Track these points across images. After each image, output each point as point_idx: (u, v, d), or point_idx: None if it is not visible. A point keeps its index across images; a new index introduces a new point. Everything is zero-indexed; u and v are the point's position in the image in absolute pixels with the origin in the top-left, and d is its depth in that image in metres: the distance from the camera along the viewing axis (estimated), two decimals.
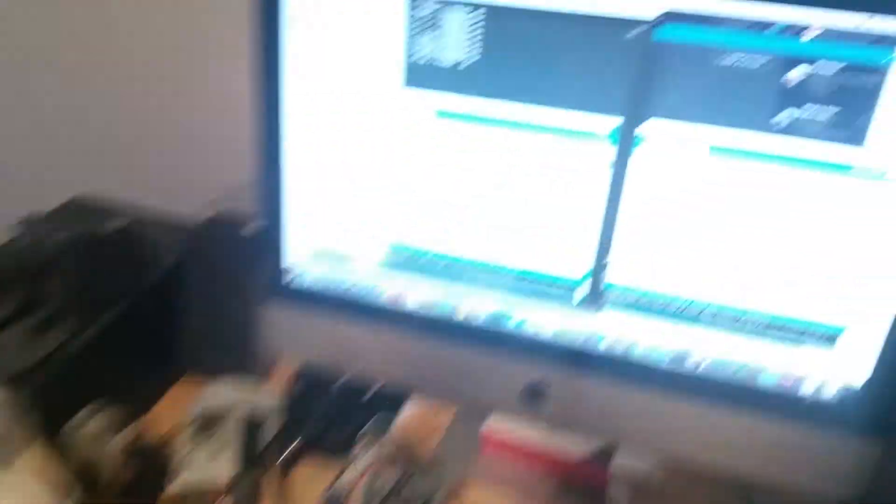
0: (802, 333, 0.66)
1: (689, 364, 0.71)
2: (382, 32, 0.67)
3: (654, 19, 0.60)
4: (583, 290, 0.71)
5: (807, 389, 0.69)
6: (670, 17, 0.59)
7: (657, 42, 0.60)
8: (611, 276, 0.70)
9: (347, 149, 0.73)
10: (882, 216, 0.60)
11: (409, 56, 0.67)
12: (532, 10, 0.62)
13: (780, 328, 0.67)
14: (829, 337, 0.66)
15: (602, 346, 0.73)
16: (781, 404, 0.70)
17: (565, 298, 0.72)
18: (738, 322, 0.67)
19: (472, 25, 0.64)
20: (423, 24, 0.65)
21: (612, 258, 0.69)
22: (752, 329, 0.67)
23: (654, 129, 0.63)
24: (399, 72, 0.68)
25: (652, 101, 0.62)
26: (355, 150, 0.73)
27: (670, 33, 0.59)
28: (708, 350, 0.70)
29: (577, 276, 0.71)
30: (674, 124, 0.63)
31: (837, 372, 0.67)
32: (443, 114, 0.68)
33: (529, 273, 0.72)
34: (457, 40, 0.65)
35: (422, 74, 0.67)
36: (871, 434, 0.68)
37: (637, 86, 0.62)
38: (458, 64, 0.66)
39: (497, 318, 0.76)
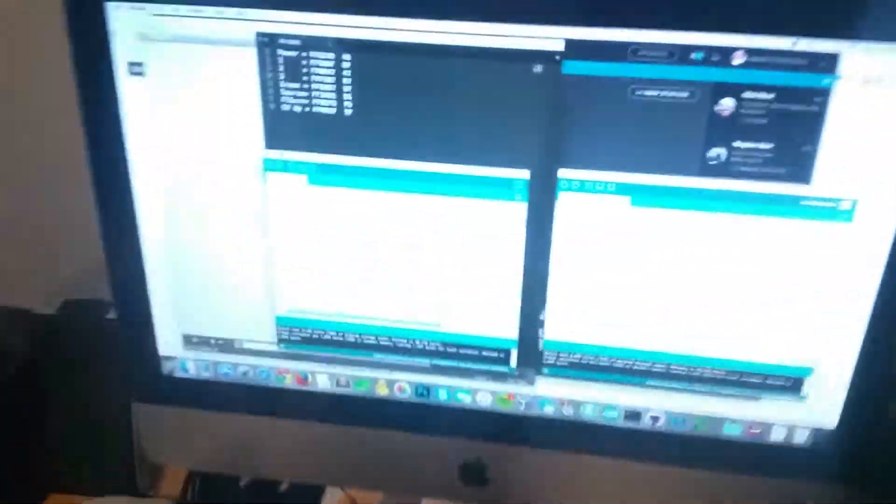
0: (765, 379, 0.59)
1: (645, 422, 0.63)
2: (234, 90, 0.55)
3: (563, 51, 0.50)
4: (518, 353, 0.61)
5: (776, 436, 0.61)
6: (579, 48, 0.50)
7: (566, 77, 0.51)
8: (548, 334, 0.60)
9: (216, 219, 0.60)
10: (835, 251, 0.53)
11: (269, 114, 0.56)
12: (410, 47, 0.52)
13: (740, 375, 0.59)
14: (794, 380, 0.58)
15: (546, 412, 0.64)
16: (750, 455, 0.62)
17: (499, 363, 0.62)
18: (694, 373, 0.59)
19: (340, 71, 0.53)
20: (280, 75, 0.54)
21: (548, 314, 0.59)
22: (710, 380, 0.59)
23: (568, 181, 0.54)
24: (259, 133, 0.56)
25: (564, 147, 0.53)
26: (225, 220, 0.60)
27: (580, 67, 0.50)
28: (664, 404, 0.62)
29: (511, 336, 0.61)
30: (591, 174, 0.54)
31: (806, 416, 0.60)
32: (314, 179, 0.57)
33: (456, 337, 0.62)
34: (324, 91, 0.54)
35: (286, 134, 0.56)
36: (845, 480, 0.61)
37: (546, 131, 0.53)
38: (327, 119, 0.55)
39: (423, 393, 0.65)
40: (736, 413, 0.61)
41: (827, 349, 0.57)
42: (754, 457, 0.62)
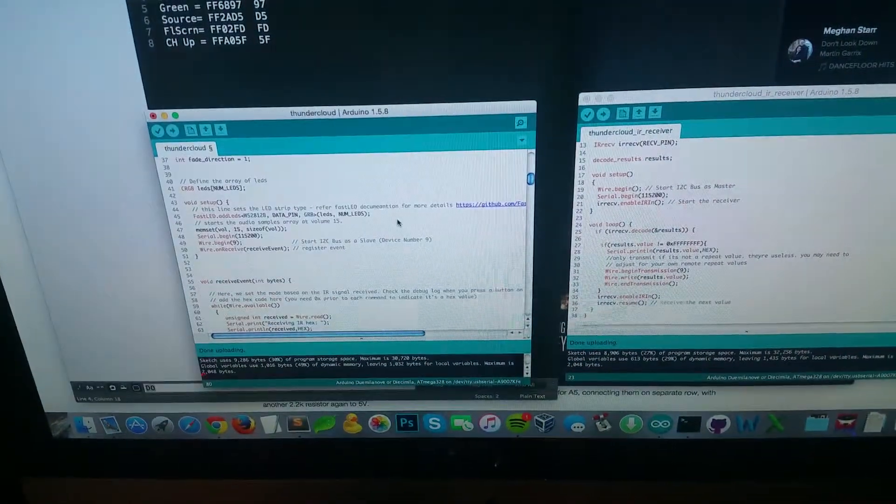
0: (860, 354, 0.44)
1: (706, 429, 0.47)
2: (94, 28, 0.37)
3: None
4: (533, 358, 0.45)
5: (873, 426, 0.47)
6: None
7: None
8: (573, 328, 0.44)
9: (97, 220, 0.42)
10: None
11: (148, 56, 0.37)
12: None
13: (828, 354, 0.44)
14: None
15: (575, 432, 0.48)
16: (841, 455, 0.47)
17: (509, 374, 0.46)
18: (769, 358, 0.44)
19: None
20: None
21: (571, 301, 0.43)
22: (790, 364, 0.45)
23: (593, 109, 0.38)
24: (137, 87, 0.38)
25: (584, 58, 0.37)
26: (109, 219, 0.42)
27: None
28: (730, 404, 0.47)
29: (521, 336, 0.45)
30: (624, 95, 0.38)
31: None
32: (226, 147, 0.39)
33: (447, 346, 0.45)
34: (226, 9, 0.36)
35: (176, 83, 0.38)
36: None
37: (556, 34, 0.36)
38: (238, 52, 0.37)
39: (409, 424, 0.48)
40: (822, 403, 0.47)
41: None
42: (846, 457, 0.48)
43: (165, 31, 0.37)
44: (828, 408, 0.47)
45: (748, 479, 0.49)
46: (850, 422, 0.47)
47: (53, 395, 0.49)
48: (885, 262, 0.41)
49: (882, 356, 0.44)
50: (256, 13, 0.36)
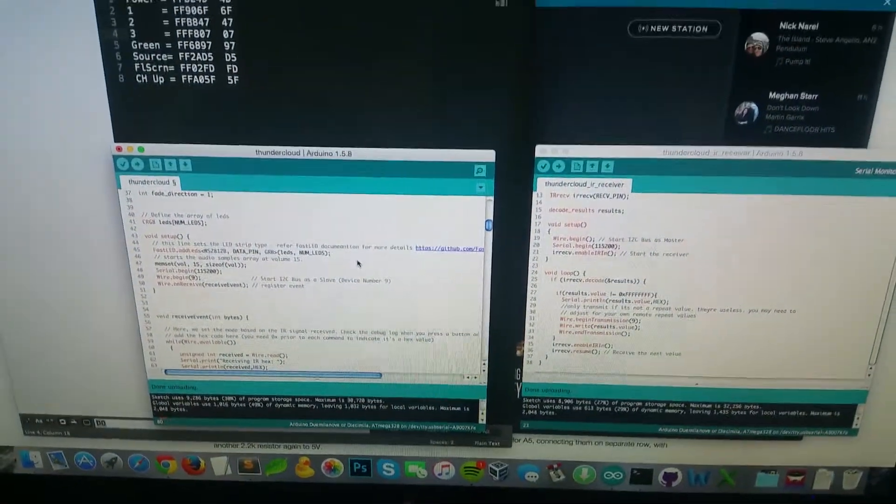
0: (808, 412, 0.45)
1: (658, 482, 0.48)
2: (66, 58, 0.38)
3: None
4: (488, 404, 0.46)
5: (822, 483, 0.48)
6: None
7: (544, 10, 0.36)
8: (528, 375, 0.45)
9: (53, 248, 0.42)
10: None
11: (117, 91, 0.38)
12: None
13: (778, 410, 0.45)
14: (843, 409, 0.45)
15: (528, 481, 0.48)
16: None
17: (464, 420, 0.46)
18: (719, 412, 0.45)
19: (218, 17, 0.37)
20: (131, 31, 0.37)
21: (527, 348, 0.44)
22: (740, 419, 0.45)
23: (549, 161, 0.39)
24: (105, 120, 0.39)
25: (541, 114, 0.38)
26: (66, 248, 0.42)
27: None
28: (682, 457, 0.47)
29: (477, 381, 0.45)
30: (578, 149, 0.39)
31: (858, 455, 0.47)
32: (189, 182, 0.40)
33: (403, 389, 0.45)
34: (196, 50, 0.37)
35: (144, 119, 0.39)
36: None
37: (516, 91, 0.38)
38: (205, 91, 0.38)
39: (362, 470, 0.48)
40: (772, 459, 0.47)
41: (884, 367, 0.44)
42: None
43: (136, 66, 0.38)
44: (778, 464, 0.47)
45: None
46: (799, 478, 0.48)
47: (0, 427, 0.48)
48: (832, 320, 0.43)
49: (829, 413, 0.45)
50: (226, 54, 0.37)
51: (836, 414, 0.45)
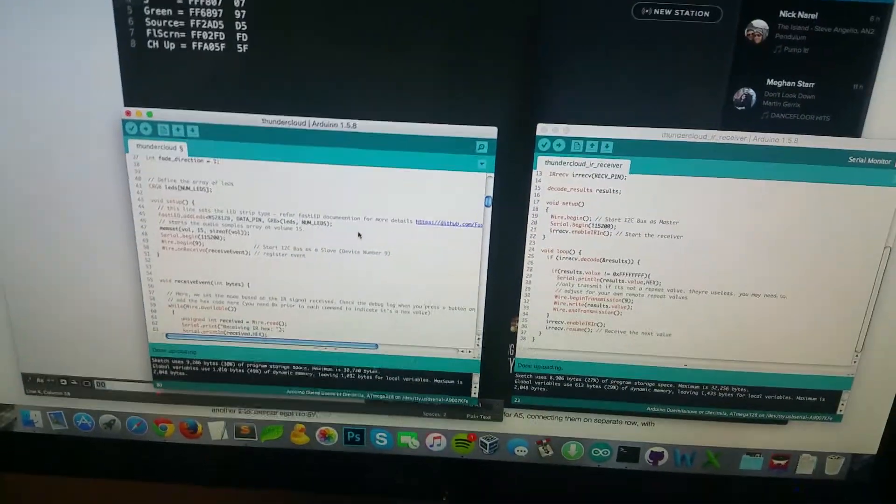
0: (794, 396, 0.46)
1: (645, 461, 0.49)
2: (76, 22, 0.39)
3: None
4: (481, 378, 0.47)
5: (805, 468, 0.49)
6: None
7: None
8: (522, 351, 0.46)
9: (59, 209, 0.43)
10: (885, 223, 0.42)
11: (128, 56, 0.39)
12: None
13: (764, 393, 0.46)
14: (828, 395, 0.46)
15: (518, 455, 0.49)
16: (774, 494, 0.49)
17: (457, 393, 0.47)
18: (707, 394, 0.46)
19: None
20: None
21: (521, 324, 0.45)
22: (726, 401, 0.46)
23: (549, 139, 0.40)
24: (115, 84, 0.40)
25: (544, 92, 0.39)
26: (71, 210, 0.43)
27: None
28: (668, 437, 0.48)
29: (471, 356, 0.46)
30: (579, 129, 0.40)
31: (842, 440, 0.48)
32: (197, 149, 0.41)
33: (398, 360, 0.46)
34: (207, 17, 0.38)
35: (154, 84, 0.39)
36: None
37: (519, 70, 0.39)
38: (215, 58, 0.38)
39: (356, 438, 0.49)
40: (756, 442, 0.48)
41: (870, 355, 0.45)
42: (779, 496, 0.49)
43: (148, 32, 0.39)
44: (762, 447, 0.49)
45: None
46: (783, 462, 0.49)
47: (2, 385, 0.49)
48: (820, 307, 0.44)
49: (815, 399, 0.46)
50: (237, 22, 0.38)
51: (822, 399, 0.46)
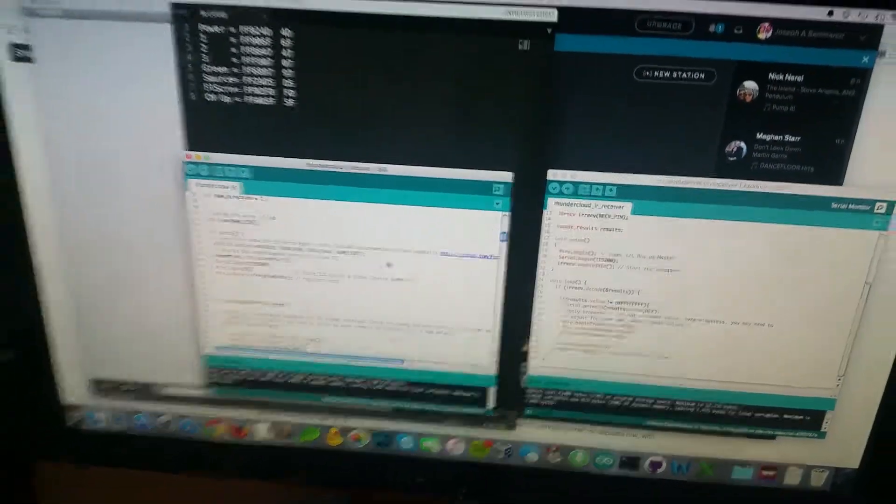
0: (782, 415, 0.51)
1: (644, 469, 0.53)
2: (146, 78, 0.45)
3: (556, 22, 0.41)
4: (497, 392, 0.52)
5: (792, 479, 0.53)
6: (576, 19, 0.41)
7: (557, 54, 0.42)
8: (532, 369, 0.51)
9: (126, 240, 0.49)
10: (866, 263, 0.46)
11: (190, 107, 0.45)
12: (367, 19, 0.42)
13: (754, 412, 0.50)
14: (813, 415, 0.51)
15: (529, 460, 0.54)
16: (762, 502, 0.53)
17: (474, 404, 0.52)
18: (701, 410, 0.51)
19: (278, 50, 0.43)
20: (203, 57, 0.43)
21: (532, 346, 0.50)
22: (720, 417, 0.51)
23: (559, 184, 0.45)
24: (178, 131, 0.46)
25: (555, 143, 0.44)
26: (138, 241, 0.49)
27: (576, 42, 0.42)
28: (666, 448, 0.53)
29: (488, 372, 0.51)
30: (586, 175, 0.45)
31: (826, 455, 0.52)
32: (249, 188, 0.47)
33: (423, 375, 0.52)
34: (260, 73, 0.44)
35: (212, 132, 0.46)
36: None
37: (533, 122, 0.44)
38: (264, 111, 0.44)
39: (384, 442, 0.55)
40: (747, 455, 0.53)
41: (851, 379, 0.49)
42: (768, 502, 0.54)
43: (206, 87, 0.44)
44: (752, 459, 0.53)
45: None
46: (771, 473, 0.53)
47: (72, 388, 0.55)
48: (805, 335, 0.48)
49: (800, 417, 0.51)
50: (284, 80, 0.44)
51: (807, 418, 0.51)
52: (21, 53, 0.45)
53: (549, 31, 0.41)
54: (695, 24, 0.40)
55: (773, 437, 0.52)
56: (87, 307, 0.51)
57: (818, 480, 0.53)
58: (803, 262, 0.46)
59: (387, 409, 0.53)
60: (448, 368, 0.51)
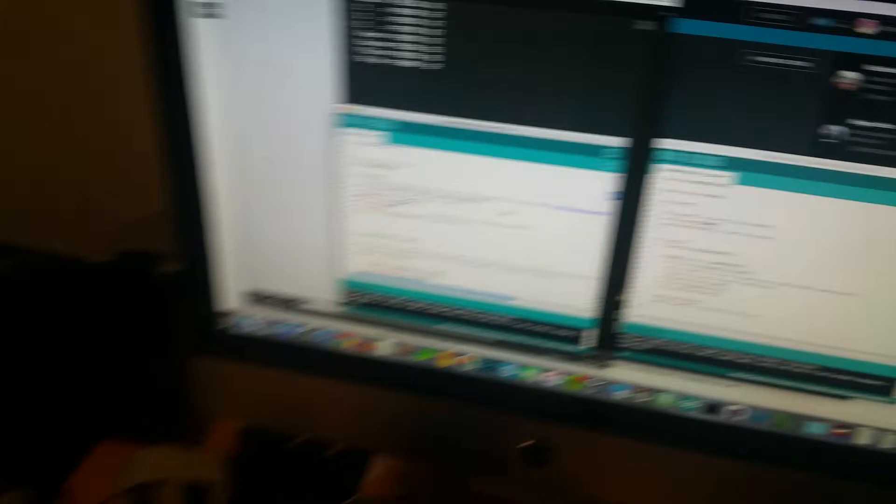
0: (856, 377, 0.54)
1: (724, 415, 0.59)
2: (311, 39, 0.52)
3: (673, 6, 0.45)
4: (592, 334, 0.58)
5: (862, 439, 0.57)
6: (691, 5, 0.45)
7: (675, 35, 0.46)
8: (628, 317, 0.56)
9: (286, 174, 0.57)
10: None
11: (347, 66, 0.52)
12: None
13: (831, 372, 0.55)
14: (886, 380, 0.54)
15: (618, 397, 0.60)
16: (832, 456, 0.58)
17: (572, 342, 0.59)
18: (782, 367, 0.55)
19: (430, 21, 0.49)
20: (359, 23, 0.50)
21: (630, 295, 0.56)
22: (799, 375, 0.55)
23: (666, 152, 0.50)
24: (336, 86, 0.53)
25: (664, 114, 0.49)
26: (295, 176, 0.57)
27: (693, 25, 0.46)
28: (747, 398, 0.58)
29: (586, 315, 0.57)
30: (691, 145, 0.49)
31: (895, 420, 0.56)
32: (394, 138, 0.54)
33: (529, 313, 0.58)
34: (410, 40, 0.50)
35: (365, 88, 0.53)
36: None
37: (646, 95, 0.48)
38: (413, 73, 0.51)
39: (487, 368, 0.62)
40: (822, 412, 0.57)
41: None
42: (836, 459, 0.58)
43: (360, 50, 0.51)
44: (827, 416, 0.57)
45: (753, 463, 0.60)
46: (844, 431, 0.58)
47: (229, 296, 0.65)
48: (887, 307, 0.52)
49: (876, 382, 0.54)
50: (430, 47, 0.50)
51: (883, 384, 0.54)
52: (210, 10, 0.53)
53: (671, 15, 0.45)
54: (799, 17, 0.44)
55: (848, 398, 0.56)
56: (250, 228, 0.60)
57: (888, 442, 0.57)
58: (891, 240, 0.49)
59: (493, 339, 0.61)
60: (551, 309, 0.58)
